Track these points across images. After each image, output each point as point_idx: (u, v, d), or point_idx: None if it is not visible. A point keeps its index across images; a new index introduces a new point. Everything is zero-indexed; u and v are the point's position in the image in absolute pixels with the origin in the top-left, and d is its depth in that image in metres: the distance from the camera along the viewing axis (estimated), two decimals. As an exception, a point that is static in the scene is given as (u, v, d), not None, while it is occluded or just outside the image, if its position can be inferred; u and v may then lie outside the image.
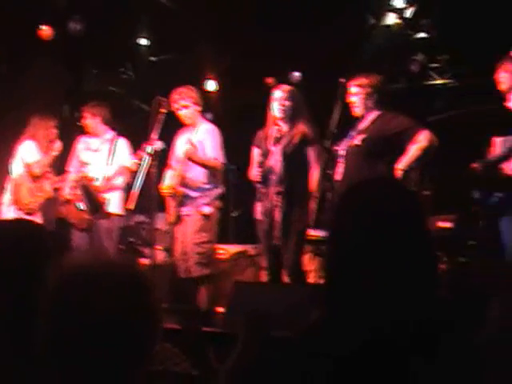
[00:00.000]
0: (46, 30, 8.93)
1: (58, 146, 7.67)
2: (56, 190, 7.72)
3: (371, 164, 5.87)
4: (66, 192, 7.50)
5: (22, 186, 7.43)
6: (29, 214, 7.36)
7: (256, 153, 6.50)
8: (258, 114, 6.78)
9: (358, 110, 6.11)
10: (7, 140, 8.61)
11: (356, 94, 6.10)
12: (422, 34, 9.80)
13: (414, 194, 2.19)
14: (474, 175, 5.91)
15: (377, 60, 8.85)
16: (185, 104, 6.86)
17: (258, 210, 6.41)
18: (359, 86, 6.10)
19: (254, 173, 6.34)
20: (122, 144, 7.63)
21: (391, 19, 9.76)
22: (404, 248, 1.97)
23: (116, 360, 1.72)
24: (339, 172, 5.98)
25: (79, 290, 1.73)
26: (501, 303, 2.24)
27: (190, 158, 6.74)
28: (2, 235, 2.58)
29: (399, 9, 9.67)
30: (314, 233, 6.43)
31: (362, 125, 6.11)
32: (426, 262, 2.01)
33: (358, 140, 5.98)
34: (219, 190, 6.93)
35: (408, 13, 9.70)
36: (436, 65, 9.90)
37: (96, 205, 7.05)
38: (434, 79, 9.97)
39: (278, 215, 6.17)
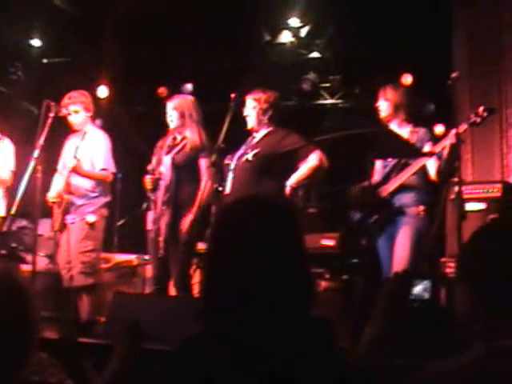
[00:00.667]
0: None
1: None
2: None
3: (260, 180, 5.90)
4: None
5: None
6: None
7: (153, 161, 6.49)
8: (148, 122, 6.78)
9: (251, 124, 6.15)
10: None
11: (252, 107, 6.14)
12: (315, 54, 10.00)
13: (290, 210, 2.21)
14: (354, 197, 6.06)
15: (270, 76, 8.95)
16: (75, 109, 6.76)
17: (149, 218, 6.37)
18: (256, 100, 6.14)
19: (146, 180, 6.30)
20: (8, 146, 7.45)
21: (286, 37, 9.92)
22: (277, 265, 2.00)
23: None
24: (228, 186, 5.99)
25: None
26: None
27: (76, 172, 6.63)
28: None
29: (295, 27, 9.84)
30: (200, 245, 6.44)
31: (255, 140, 6.15)
32: (299, 279, 2.05)
33: (249, 155, 6.01)
34: (106, 199, 6.84)
35: (303, 32, 9.88)
36: (327, 84, 10.09)
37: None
38: (325, 98, 10.16)
39: (163, 224, 6.16)
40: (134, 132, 9.18)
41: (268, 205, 2.17)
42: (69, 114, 6.75)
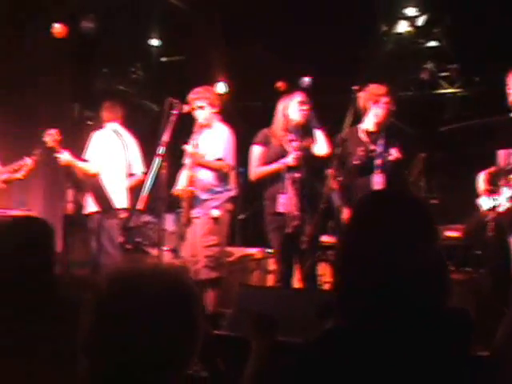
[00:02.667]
0: (58, 28, 8.94)
1: None
2: (6, 180, 7.84)
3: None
4: None
5: None
6: None
7: (259, 151, 6.53)
8: (268, 118, 6.79)
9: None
10: (19, 138, 8.64)
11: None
12: (433, 43, 9.83)
13: (426, 203, 2.20)
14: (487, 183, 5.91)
15: (387, 67, 8.86)
16: (200, 105, 6.85)
17: (281, 201, 6.39)
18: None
19: (292, 157, 6.33)
20: (99, 140, 7.73)
21: (403, 27, 9.79)
22: (418, 256, 1.98)
23: (156, 365, 1.73)
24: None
25: (124, 299, 1.73)
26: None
27: (196, 162, 6.74)
28: (7, 232, 2.61)
29: (411, 17, 9.70)
30: (324, 238, 6.44)
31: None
32: (437, 272, 2.02)
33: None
34: (231, 193, 6.91)
35: (420, 21, 9.72)
36: (446, 74, 9.92)
37: (107, 203, 7.03)
38: (444, 88, 9.99)
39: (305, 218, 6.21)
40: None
41: (407, 198, 2.16)
42: (193, 109, 6.84)
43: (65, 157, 7.52)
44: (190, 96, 6.84)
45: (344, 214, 6.06)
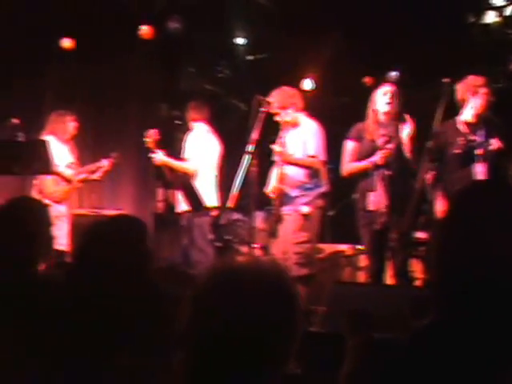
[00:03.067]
0: (145, 30, 9.08)
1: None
2: (83, 180, 8.05)
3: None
4: None
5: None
6: (56, 202, 7.57)
7: (351, 146, 6.50)
8: (357, 114, 6.75)
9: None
10: (107, 137, 8.80)
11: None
12: (522, 33, 9.62)
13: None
14: None
15: (476, 59, 8.70)
16: (285, 104, 6.86)
17: (371, 200, 6.36)
18: None
19: (380, 156, 6.28)
20: (195, 138, 7.80)
21: (491, 17, 9.60)
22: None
23: (255, 361, 1.72)
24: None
25: (224, 293, 1.73)
26: None
27: (284, 160, 6.75)
28: (107, 230, 2.66)
29: (499, 7, 9.51)
30: (418, 234, 6.37)
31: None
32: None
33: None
34: (322, 189, 6.88)
35: (508, 11, 9.52)
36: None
37: (197, 201, 7.11)
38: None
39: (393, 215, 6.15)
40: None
41: (509, 189, 2.11)
42: (279, 108, 6.86)
43: (160, 157, 7.65)
44: (274, 95, 6.85)
45: (438, 208, 5.96)
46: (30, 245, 3.07)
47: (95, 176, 8.07)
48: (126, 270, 2.47)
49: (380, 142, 6.32)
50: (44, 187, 7.58)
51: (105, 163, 8.00)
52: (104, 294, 2.42)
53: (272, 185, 6.92)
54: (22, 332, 2.58)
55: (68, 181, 7.72)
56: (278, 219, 6.84)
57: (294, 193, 6.78)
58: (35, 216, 3.21)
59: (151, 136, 7.73)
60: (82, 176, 7.99)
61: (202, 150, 7.74)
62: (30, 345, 2.48)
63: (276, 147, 6.72)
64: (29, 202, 3.72)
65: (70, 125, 7.94)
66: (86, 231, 2.64)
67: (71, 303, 2.50)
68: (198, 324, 1.74)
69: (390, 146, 6.24)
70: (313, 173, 6.80)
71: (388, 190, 6.22)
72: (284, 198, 6.80)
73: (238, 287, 1.73)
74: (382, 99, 6.39)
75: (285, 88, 7.04)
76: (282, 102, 6.89)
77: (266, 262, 1.92)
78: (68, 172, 7.71)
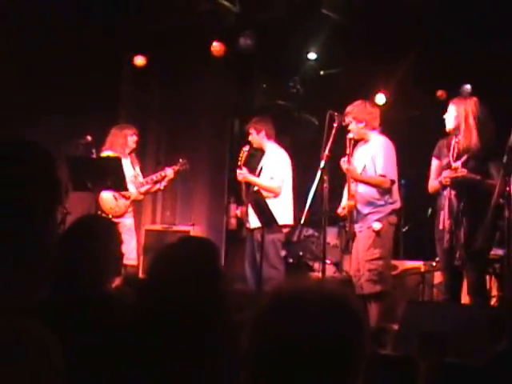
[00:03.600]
0: (217, 47, 9.14)
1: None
2: (146, 191, 8.05)
3: None
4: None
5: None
6: (116, 217, 7.55)
7: (435, 164, 6.38)
8: (429, 128, 6.66)
9: None
10: (179, 153, 8.86)
11: None
12: None
13: None
14: None
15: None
16: (360, 117, 6.83)
17: (441, 219, 6.24)
18: None
19: (443, 175, 6.16)
20: (274, 156, 7.76)
21: None
22: None
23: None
24: None
25: (286, 314, 1.70)
26: None
27: (352, 177, 6.70)
28: (177, 252, 2.67)
29: None
30: (494, 251, 6.24)
31: None
32: None
33: None
34: (394, 206, 6.81)
35: None
36: None
37: (269, 218, 7.07)
38: None
39: (459, 232, 6.02)
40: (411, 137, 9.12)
41: None
42: (350, 122, 6.83)
43: (244, 174, 7.65)
44: (349, 108, 6.84)
45: None
46: (99, 262, 3.10)
47: (160, 186, 8.02)
48: (196, 292, 2.47)
49: (445, 161, 6.22)
50: (103, 203, 7.62)
51: (168, 172, 7.92)
52: (173, 313, 2.43)
53: (344, 202, 6.88)
54: (93, 348, 2.60)
55: (126, 197, 7.72)
56: (351, 236, 6.78)
57: (365, 210, 6.72)
58: (104, 233, 3.24)
59: (243, 152, 7.73)
60: (146, 187, 7.99)
61: (281, 167, 7.70)
62: (101, 360, 2.50)
63: (343, 164, 6.66)
64: (98, 220, 3.77)
65: (130, 139, 7.90)
66: (158, 252, 2.67)
67: (140, 321, 2.51)
68: (259, 344, 1.71)
69: (456, 164, 6.10)
70: (383, 190, 6.73)
71: (452, 210, 6.09)
72: (356, 215, 6.74)
73: (299, 306, 1.70)
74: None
75: (367, 103, 7.01)
76: (358, 114, 6.86)
77: (330, 281, 1.89)
78: (130, 187, 7.70)
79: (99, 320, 2.78)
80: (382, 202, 6.73)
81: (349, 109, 6.91)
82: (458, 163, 6.07)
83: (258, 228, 7.40)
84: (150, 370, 2.40)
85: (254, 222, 7.52)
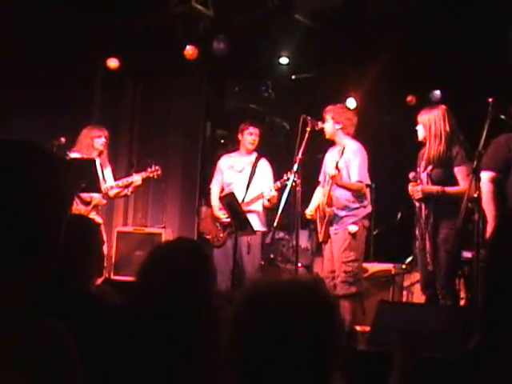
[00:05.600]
0: (190, 50, 9.16)
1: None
2: (115, 195, 7.98)
3: None
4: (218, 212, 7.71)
5: None
6: None
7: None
8: (399, 132, 6.74)
9: None
10: (151, 155, 8.88)
11: None
12: None
13: None
14: None
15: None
16: (338, 119, 6.93)
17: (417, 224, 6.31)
18: None
19: (411, 189, 6.25)
20: (265, 167, 7.76)
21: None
22: None
23: (295, 376, 1.73)
24: None
25: (262, 310, 1.75)
26: None
27: (335, 182, 6.76)
28: (168, 253, 2.73)
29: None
30: (464, 254, 6.34)
31: None
32: None
33: None
34: (367, 210, 6.93)
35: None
36: None
37: (243, 221, 7.09)
38: None
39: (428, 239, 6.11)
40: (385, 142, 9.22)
41: None
42: (322, 128, 6.90)
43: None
44: (328, 110, 6.92)
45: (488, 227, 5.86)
46: (83, 261, 3.14)
47: (127, 191, 7.96)
48: (187, 292, 2.53)
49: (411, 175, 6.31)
50: None
51: (135, 178, 7.86)
52: (164, 312, 2.48)
53: (313, 205, 6.95)
54: (78, 346, 2.63)
55: (86, 201, 7.63)
56: (325, 239, 6.86)
57: (341, 213, 6.80)
58: (88, 233, 3.28)
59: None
60: (116, 191, 7.91)
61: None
62: (87, 358, 2.52)
63: (331, 171, 6.69)
64: (81, 219, 3.80)
65: (97, 141, 7.77)
66: (149, 252, 2.72)
67: (129, 321, 2.55)
68: (238, 341, 1.76)
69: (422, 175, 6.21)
70: (359, 194, 6.82)
71: (421, 218, 6.18)
72: (332, 218, 6.82)
73: (274, 297, 1.75)
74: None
75: (348, 109, 7.09)
76: (337, 115, 6.97)
77: (303, 278, 1.95)
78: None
79: (84, 319, 2.81)
80: (356, 205, 6.83)
81: (330, 108, 7.00)
82: (424, 174, 6.18)
83: (232, 231, 7.42)
84: (138, 368, 2.44)
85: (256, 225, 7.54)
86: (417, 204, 6.21)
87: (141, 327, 2.52)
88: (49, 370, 1.50)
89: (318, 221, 6.89)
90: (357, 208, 6.84)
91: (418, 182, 6.19)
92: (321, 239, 6.91)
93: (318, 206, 6.92)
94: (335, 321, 1.79)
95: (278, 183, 7.38)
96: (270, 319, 1.72)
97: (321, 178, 7.08)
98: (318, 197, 7.01)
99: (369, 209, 6.96)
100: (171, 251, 2.77)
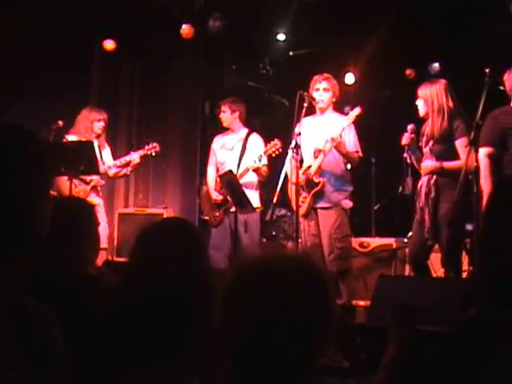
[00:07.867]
0: (186, 29, 9.12)
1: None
2: (114, 175, 7.99)
3: None
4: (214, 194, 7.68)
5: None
6: None
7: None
8: (398, 106, 6.72)
9: None
10: (150, 136, 8.87)
11: None
12: None
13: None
14: None
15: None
16: (325, 87, 6.95)
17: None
18: None
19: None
20: (255, 141, 7.71)
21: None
22: None
23: (289, 352, 1.72)
24: None
25: (252, 285, 1.74)
26: None
27: (338, 148, 6.71)
28: (160, 233, 2.72)
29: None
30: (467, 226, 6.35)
31: None
32: None
33: None
34: (351, 188, 6.98)
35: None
36: None
37: (243, 200, 7.06)
38: None
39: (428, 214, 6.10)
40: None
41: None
42: (316, 101, 6.88)
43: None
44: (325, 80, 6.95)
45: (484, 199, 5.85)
46: (80, 243, 3.13)
47: (126, 171, 7.94)
48: (181, 272, 2.53)
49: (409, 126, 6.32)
50: (61, 189, 7.41)
51: (133, 157, 7.80)
52: (157, 298, 2.48)
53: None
54: (76, 327, 2.63)
55: (87, 182, 7.62)
56: (309, 212, 6.83)
57: (330, 188, 6.79)
58: (84, 214, 3.27)
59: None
60: (115, 171, 7.91)
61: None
62: (84, 340, 2.52)
63: (334, 135, 6.62)
64: (77, 201, 3.79)
65: (96, 124, 7.76)
66: (140, 233, 2.72)
67: (123, 304, 2.55)
68: (228, 317, 1.75)
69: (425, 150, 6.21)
70: (346, 170, 6.91)
71: (423, 191, 6.17)
72: (319, 192, 6.79)
73: (264, 272, 1.74)
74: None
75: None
76: (334, 87, 7.01)
77: (292, 251, 1.94)
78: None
79: (82, 300, 2.82)
80: (348, 180, 6.91)
81: (328, 76, 7.01)
82: (427, 149, 6.16)
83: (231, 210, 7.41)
84: (135, 349, 2.44)
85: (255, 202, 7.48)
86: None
87: (133, 308, 2.51)
88: (34, 357, 1.50)
89: (299, 190, 6.69)
90: (348, 184, 6.90)
91: (421, 157, 6.20)
92: (304, 211, 6.81)
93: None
94: (327, 295, 1.77)
95: (263, 153, 7.34)
96: (260, 295, 1.71)
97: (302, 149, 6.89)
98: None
99: (351, 187, 7.01)
100: (158, 231, 2.76)
